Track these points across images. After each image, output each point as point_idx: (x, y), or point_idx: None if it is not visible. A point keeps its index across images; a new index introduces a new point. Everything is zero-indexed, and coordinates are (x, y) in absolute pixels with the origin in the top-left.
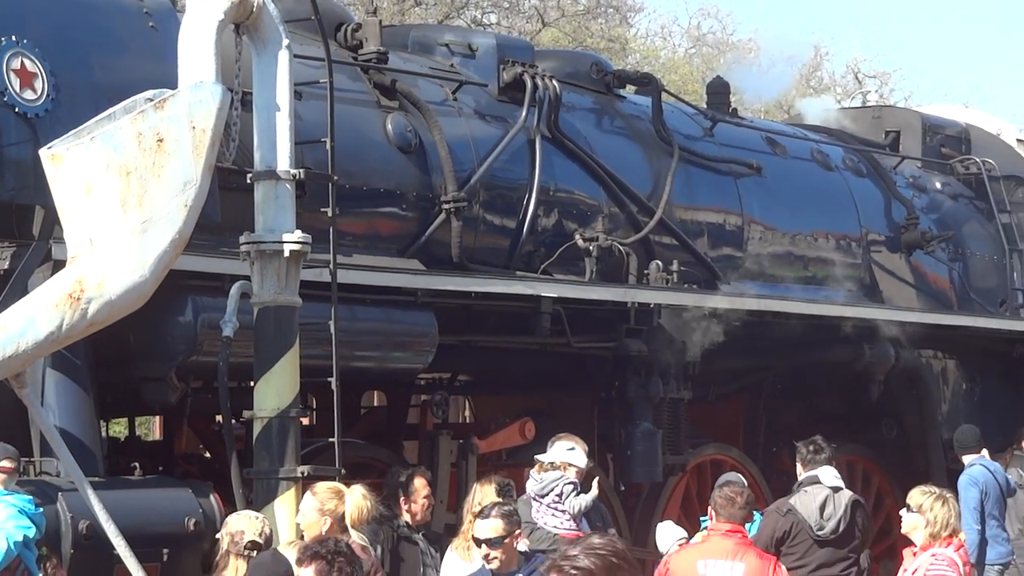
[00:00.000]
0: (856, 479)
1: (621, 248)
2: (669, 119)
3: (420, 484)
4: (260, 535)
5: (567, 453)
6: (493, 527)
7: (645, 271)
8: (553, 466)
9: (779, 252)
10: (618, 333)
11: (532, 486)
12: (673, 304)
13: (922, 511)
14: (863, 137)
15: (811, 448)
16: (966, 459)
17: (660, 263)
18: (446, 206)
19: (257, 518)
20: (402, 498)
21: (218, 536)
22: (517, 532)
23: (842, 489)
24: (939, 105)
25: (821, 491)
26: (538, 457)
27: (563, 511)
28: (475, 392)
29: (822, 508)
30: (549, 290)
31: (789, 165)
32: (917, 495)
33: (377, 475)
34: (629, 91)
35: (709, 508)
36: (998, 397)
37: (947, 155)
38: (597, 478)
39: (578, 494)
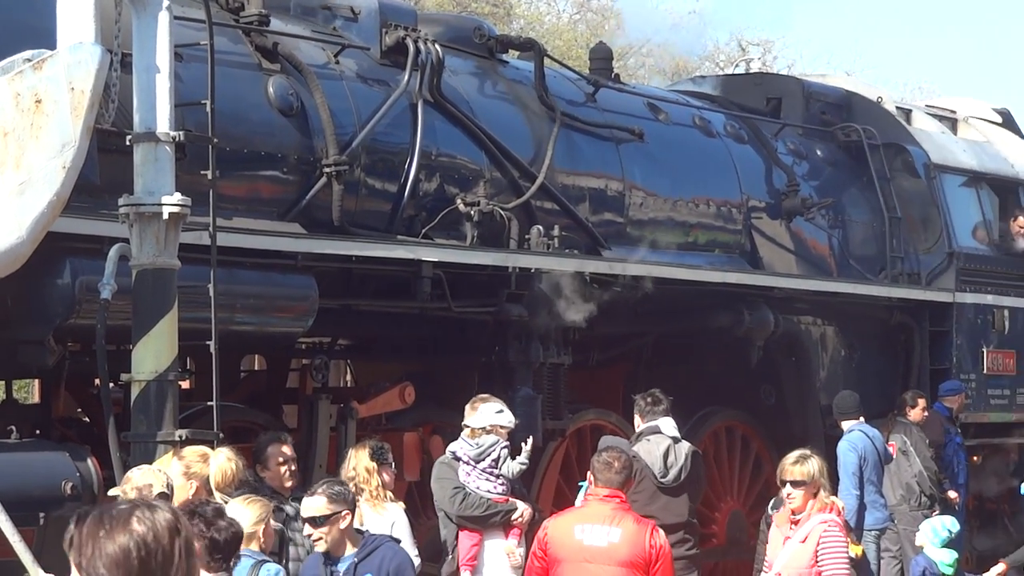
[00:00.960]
0: (735, 444)
1: (502, 213)
2: (552, 84)
3: (273, 451)
4: (167, 487)
5: (497, 416)
6: (316, 506)
7: (526, 236)
8: (485, 430)
9: (660, 218)
10: (499, 298)
11: (467, 450)
12: (554, 269)
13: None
14: (745, 104)
15: (649, 400)
16: (845, 425)
17: (541, 228)
18: (327, 170)
19: (160, 471)
20: (258, 465)
21: (117, 493)
22: (345, 512)
23: (681, 440)
24: (822, 73)
25: (663, 440)
26: (467, 422)
27: (498, 476)
28: (355, 356)
29: (665, 456)
30: (430, 254)
31: (671, 131)
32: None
33: (256, 439)
34: (512, 56)
35: (588, 473)
36: (876, 363)
37: (828, 122)
38: (531, 439)
39: (514, 458)
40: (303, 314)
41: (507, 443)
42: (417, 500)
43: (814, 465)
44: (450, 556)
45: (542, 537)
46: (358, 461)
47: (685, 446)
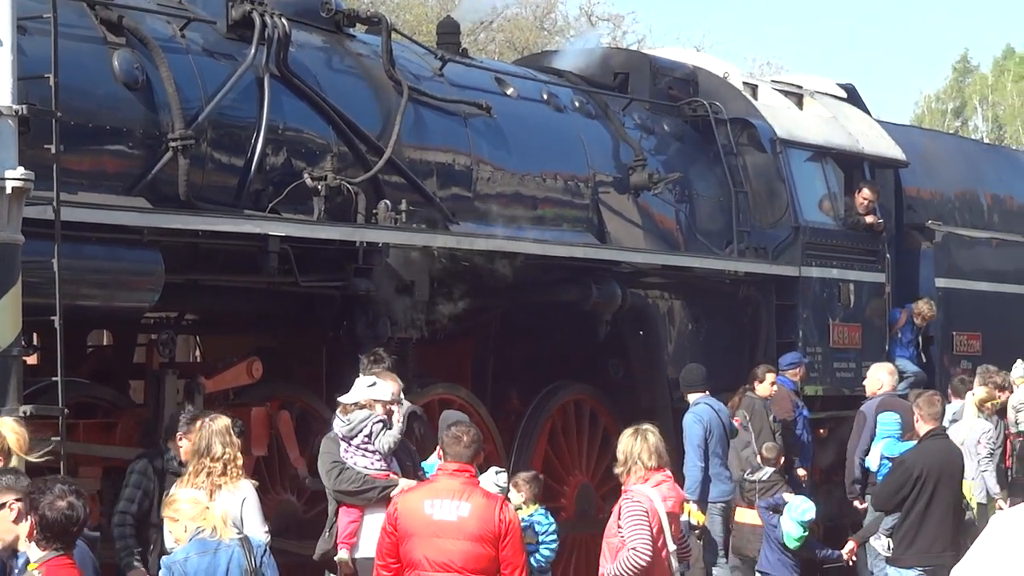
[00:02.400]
0: (583, 418)
1: (350, 187)
2: (399, 59)
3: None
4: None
5: (369, 390)
6: None
7: (374, 211)
8: (358, 405)
9: (508, 192)
10: (346, 272)
11: (340, 427)
12: (401, 244)
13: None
14: (593, 79)
15: (371, 358)
16: (691, 397)
17: (389, 203)
18: (173, 144)
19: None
20: (179, 434)
21: None
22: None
23: (403, 402)
24: (670, 48)
25: None
26: (341, 399)
27: (374, 451)
28: (203, 331)
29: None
30: (277, 229)
31: (519, 106)
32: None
33: (103, 414)
34: (360, 30)
35: (438, 449)
36: (723, 337)
37: (675, 97)
38: (400, 408)
39: (387, 431)
40: (149, 289)
41: (381, 417)
42: (265, 475)
43: (627, 443)
44: (327, 533)
45: (392, 512)
46: (212, 437)
47: (405, 406)
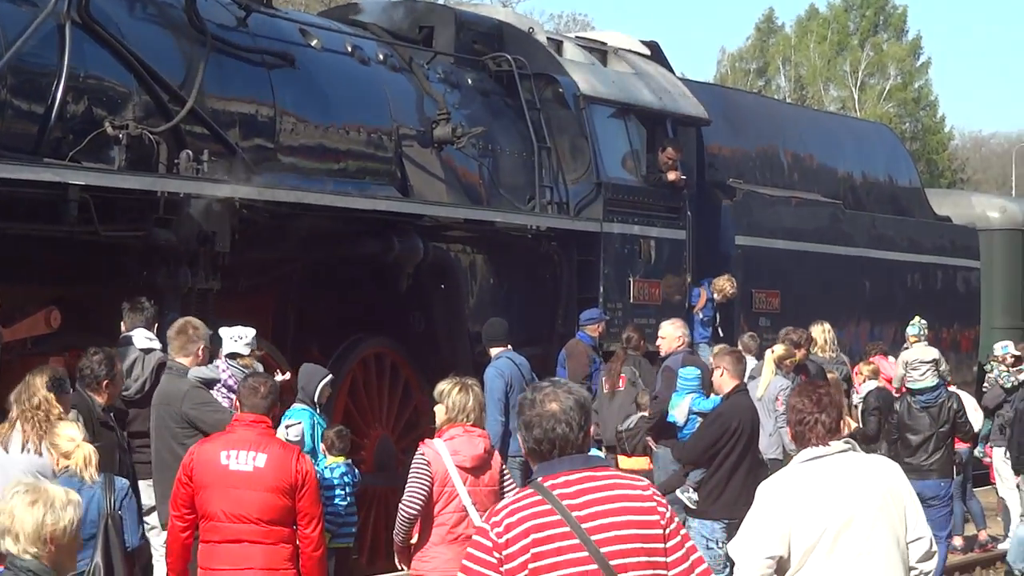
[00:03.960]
0: (384, 371)
1: (151, 137)
2: (203, 8)
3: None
4: None
5: (231, 344)
6: None
7: (176, 160)
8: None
9: (311, 144)
10: (147, 223)
11: (206, 372)
12: (203, 194)
13: (442, 398)
14: (397, 32)
15: (128, 307)
16: (493, 352)
17: (191, 153)
18: None
19: None
20: (106, 382)
21: None
22: None
23: (154, 351)
24: (476, 3)
25: (132, 352)
26: (228, 350)
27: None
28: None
29: (130, 370)
30: (77, 178)
31: (323, 58)
32: (441, 384)
33: None
34: None
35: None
36: (526, 292)
37: (480, 52)
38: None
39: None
40: None
41: (246, 370)
42: None
43: (456, 397)
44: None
45: (188, 463)
46: (35, 388)
47: (155, 357)
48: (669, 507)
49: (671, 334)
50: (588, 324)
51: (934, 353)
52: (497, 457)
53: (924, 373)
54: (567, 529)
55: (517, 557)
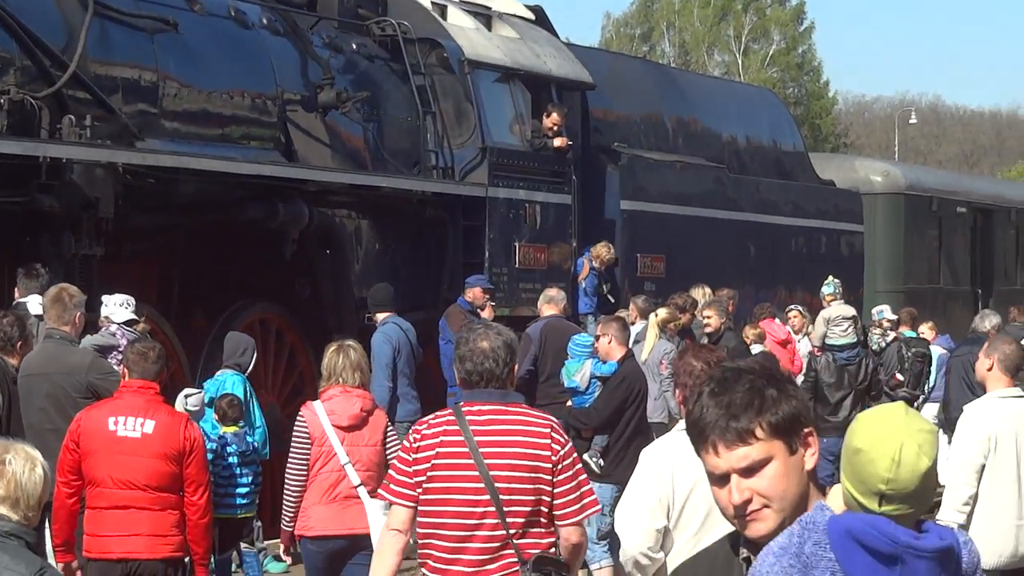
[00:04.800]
0: (269, 337)
1: (33, 102)
2: None
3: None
4: None
5: (123, 311)
6: None
7: (58, 126)
8: (109, 320)
9: (195, 109)
10: (29, 188)
11: (100, 340)
12: (85, 160)
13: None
14: None
15: (27, 272)
16: (379, 317)
17: (73, 118)
18: None
19: None
20: (20, 343)
21: None
22: None
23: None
24: None
25: (27, 318)
26: (115, 317)
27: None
28: None
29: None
30: None
31: (206, 22)
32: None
33: None
34: None
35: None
36: (411, 257)
37: (364, 16)
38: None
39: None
40: None
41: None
42: None
43: (330, 359)
44: None
45: (75, 429)
46: None
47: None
48: (567, 446)
49: (543, 302)
50: (467, 289)
51: (853, 311)
52: (380, 417)
53: (846, 329)
54: (466, 450)
55: (423, 463)
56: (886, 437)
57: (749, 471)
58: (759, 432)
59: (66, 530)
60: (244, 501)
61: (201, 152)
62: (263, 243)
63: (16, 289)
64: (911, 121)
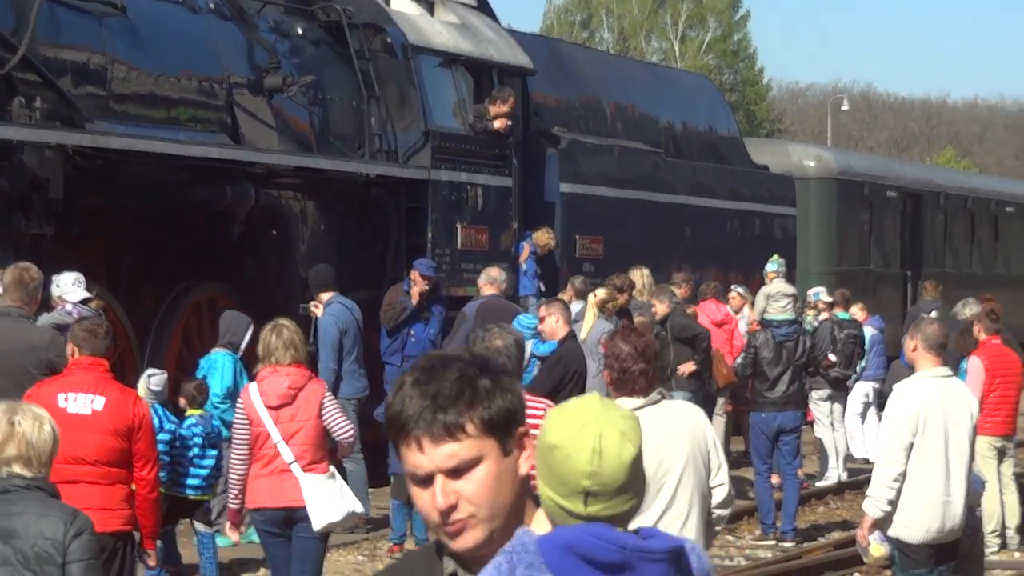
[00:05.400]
0: (217, 317)
1: None
2: None
3: None
4: None
5: (76, 289)
6: None
7: (8, 108)
8: (62, 300)
9: (143, 92)
10: None
11: (57, 319)
12: (35, 141)
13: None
14: None
15: None
16: (323, 297)
17: (23, 99)
18: None
19: None
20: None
21: None
22: None
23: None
24: None
25: None
26: (69, 296)
27: None
28: None
29: None
30: None
31: (153, 7)
32: None
33: None
34: None
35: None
36: (356, 238)
37: (309, 1)
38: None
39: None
40: None
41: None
42: None
43: (264, 338)
44: None
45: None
46: None
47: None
48: None
49: (483, 281)
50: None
51: (794, 289)
52: (315, 391)
53: (785, 306)
54: None
55: None
56: (583, 428)
57: (456, 472)
58: (469, 428)
59: None
60: (199, 483)
61: (149, 134)
62: (210, 224)
63: None
64: (843, 108)
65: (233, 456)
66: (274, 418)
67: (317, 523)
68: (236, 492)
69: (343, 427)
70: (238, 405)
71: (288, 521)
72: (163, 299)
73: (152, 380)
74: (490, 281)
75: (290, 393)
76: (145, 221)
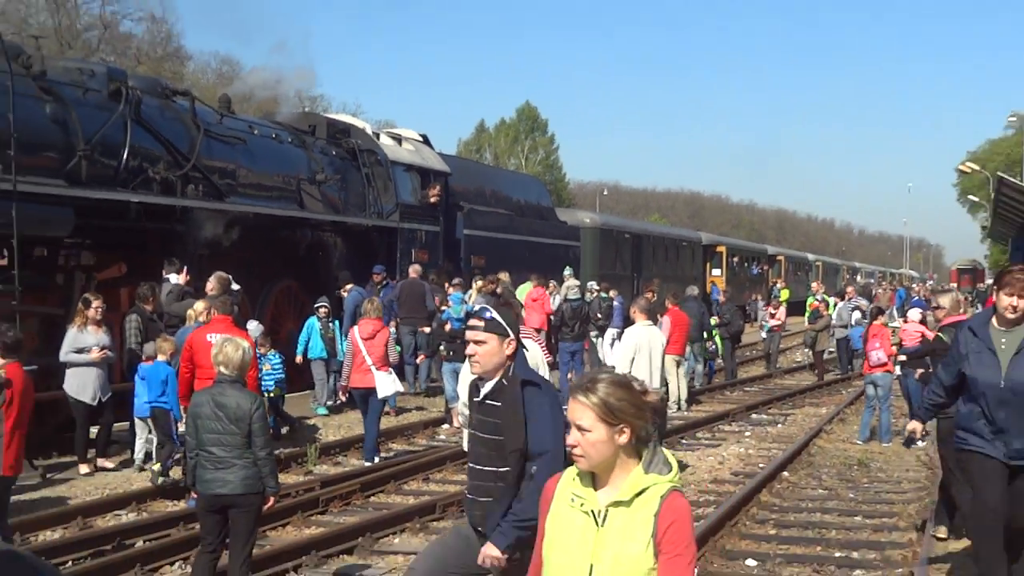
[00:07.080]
0: (291, 296)
1: (172, 178)
2: (198, 111)
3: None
4: None
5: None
6: None
7: (185, 190)
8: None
9: (254, 183)
10: (170, 221)
11: None
12: (199, 206)
13: None
14: (298, 127)
15: (167, 261)
16: (347, 287)
17: (192, 186)
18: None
19: None
20: (151, 297)
21: None
22: None
23: None
24: (338, 113)
25: None
26: None
27: None
28: None
29: None
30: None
31: (259, 140)
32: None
33: None
34: (178, 98)
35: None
36: (363, 259)
37: (339, 137)
38: None
39: None
40: None
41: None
42: None
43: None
44: None
45: (188, 345)
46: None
47: None
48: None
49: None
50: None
51: (578, 282)
52: (383, 334)
53: (576, 291)
54: None
55: None
56: None
57: None
58: None
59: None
60: (272, 386)
61: (258, 204)
62: (287, 249)
63: (163, 269)
64: (604, 193)
65: (344, 361)
66: (365, 345)
67: (381, 393)
68: (345, 376)
69: (392, 352)
70: (349, 335)
71: (364, 397)
72: (264, 287)
73: (251, 326)
74: (415, 271)
75: (373, 332)
76: (256, 248)
